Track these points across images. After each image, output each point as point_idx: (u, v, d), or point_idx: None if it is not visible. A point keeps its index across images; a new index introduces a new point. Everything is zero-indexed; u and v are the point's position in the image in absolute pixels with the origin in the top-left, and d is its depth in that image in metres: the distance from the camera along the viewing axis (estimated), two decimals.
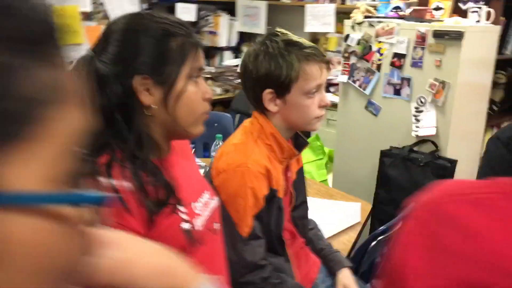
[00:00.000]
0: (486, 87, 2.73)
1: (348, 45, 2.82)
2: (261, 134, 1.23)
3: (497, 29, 2.63)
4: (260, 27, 4.20)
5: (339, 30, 3.69)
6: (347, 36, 2.82)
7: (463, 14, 2.67)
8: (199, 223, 0.95)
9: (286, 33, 1.23)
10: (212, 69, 4.15)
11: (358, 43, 2.77)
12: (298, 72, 1.17)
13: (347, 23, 2.84)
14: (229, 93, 4.14)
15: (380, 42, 2.69)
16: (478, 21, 2.59)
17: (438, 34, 2.45)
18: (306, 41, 1.23)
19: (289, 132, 1.28)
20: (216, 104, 4.08)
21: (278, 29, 1.24)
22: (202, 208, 0.98)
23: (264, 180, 1.18)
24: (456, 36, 2.40)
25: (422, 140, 2.61)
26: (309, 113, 1.23)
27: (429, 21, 2.60)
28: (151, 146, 0.92)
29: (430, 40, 2.49)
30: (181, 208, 0.92)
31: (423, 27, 2.51)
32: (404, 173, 2.54)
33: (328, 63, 1.23)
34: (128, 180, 0.86)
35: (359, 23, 2.77)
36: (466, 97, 2.56)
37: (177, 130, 0.94)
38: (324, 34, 3.92)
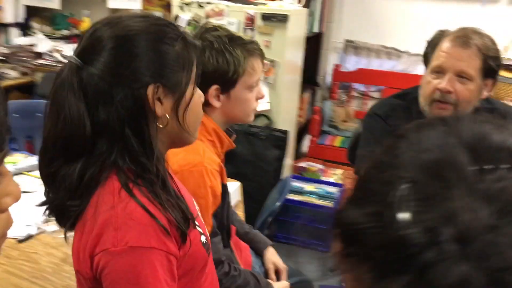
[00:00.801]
0: (300, 62, 3.10)
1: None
2: (203, 130, 1.21)
3: (306, 11, 3.00)
4: (53, 2, 3.79)
5: (146, 7, 3.62)
6: (177, 17, 2.81)
7: None
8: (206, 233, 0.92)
9: (224, 28, 1.23)
10: (1, 49, 3.59)
11: (189, 24, 2.79)
12: (244, 67, 1.19)
13: (175, 3, 2.83)
14: (27, 76, 3.66)
15: (210, 23, 2.77)
16: (292, 4, 2.90)
17: (266, 17, 2.66)
18: (245, 35, 1.24)
19: (226, 125, 1.29)
20: (12, 90, 3.56)
21: (215, 24, 1.22)
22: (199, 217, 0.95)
23: (219, 177, 1.18)
24: (282, 19, 2.65)
25: (257, 115, 2.83)
26: (250, 106, 1.26)
27: (256, 4, 2.79)
28: (162, 161, 0.84)
29: (259, 22, 2.68)
30: (196, 222, 0.88)
31: (251, 10, 2.69)
32: (248, 147, 2.73)
33: (264, 55, 1.28)
34: (151, 201, 0.79)
35: (188, 4, 2.79)
36: (289, 73, 2.88)
37: (182, 138, 0.89)
38: (129, 11, 3.78)
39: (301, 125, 3.64)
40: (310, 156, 3.56)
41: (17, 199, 0.47)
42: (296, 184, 3.07)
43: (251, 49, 1.21)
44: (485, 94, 1.48)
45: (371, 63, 3.80)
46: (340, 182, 3.28)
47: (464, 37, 1.41)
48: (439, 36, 1.49)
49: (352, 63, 3.84)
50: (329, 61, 3.83)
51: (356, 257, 0.40)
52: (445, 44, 1.43)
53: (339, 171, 3.38)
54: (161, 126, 0.83)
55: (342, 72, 3.81)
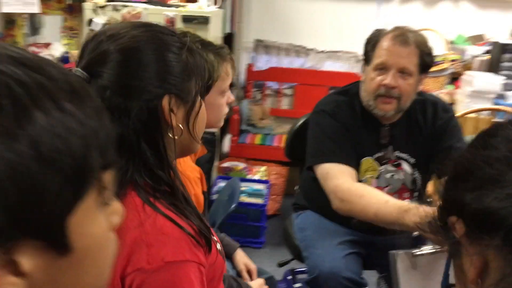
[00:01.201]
0: None
1: (92, 30, 2.68)
2: None
3: (222, 12, 3.01)
4: None
5: (45, 11, 3.38)
6: (90, 21, 2.67)
7: None
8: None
9: (193, 33, 1.20)
10: None
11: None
12: (218, 73, 1.18)
13: (88, 6, 2.68)
14: None
15: None
16: (209, 6, 2.90)
17: (187, 19, 2.63)
18: (213, 41, 1.23)
19: None
20: None
21: (185, 29, 1.20)
22: None
23: (200, 184, 1.17)
24: (203, 21, 2.64)
25: None
26: (222, 111, 1.26)
27: (175, 6, 2.74)
28: (175, 170, 0.82)
29: (180, 24, 2.65)
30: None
31: (171, 12, 2.65)
32: None
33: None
34: (174, 213, 0.77)
35: (102, 7, 2.66)
36: None
37: (191, 147, 0.87)
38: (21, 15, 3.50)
39: (221, 126, 3.65)
40: (233, 155, 3.60)
41: (121, 217, 0.44)
42: (223, 184, 3.08)
43: (223, 54, 1.22)
44: (420, 87, 1.63)
45: (281, 61, 3.93)
46: (265, 178, 3.35)
47: (403, 35, 1.54)
48: (377, 36, 1.61)
49: (264, 62, 3.94)
50: (242, 61, 3.88)
51: (488, 237, 0.45)
52: (386, 43, 1.55)
53: (263, 168, 3.46)
54: (176, 137, 0.81)
55: (254, 71, 3.89)
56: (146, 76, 0.77)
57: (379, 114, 1.60)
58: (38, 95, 0.36)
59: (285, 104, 4.01)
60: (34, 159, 0.35)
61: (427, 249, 1.44)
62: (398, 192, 1.70)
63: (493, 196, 0.49)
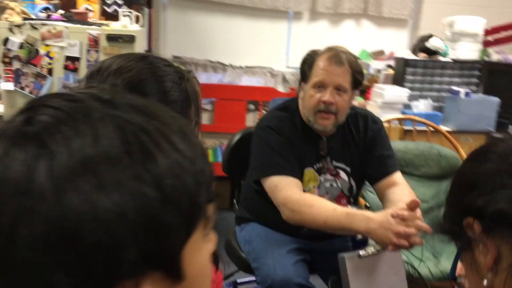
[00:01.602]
0: None
1: (9, 49, 2.54)
2: None
3: (145, 30, 3.01)
4: None
5: None
6: (6, 40, 2.52)
7: (112, 17, 2.90)
8: None
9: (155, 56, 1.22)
10: None
11: (21, 46, 2.54)
12: None
13: (3, 25, 2.53)
14: None
15: (48, 45, 2.57)
16: (132, 24, 2.88)
17: (112, 38, 2.60)
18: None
19: None
20: None
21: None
22: None
23: None
24: (129, 39, 2.62)
25: None
26: None
27: (92, 24, 2.69)
28: None
29: (104, 43, 2.60)
30: None
31: (94, 31, 2.59)
32: None
33: None
34: None
35: (19, 26, 2.53)
36: None
37: None
38: None
39: None
40: None
41: (216, 245, 0.47)
42: None
43: (189, 77, 1.25)
44: (352, 102, 1.79)
45: (200, 77, 3.98)
46: None
47: (337, 56, 1.69)
48: (313, 56, 1.74)
49: None
50: None
51: (502, 232, 0.56)
52: (322, 63, 1.69)
53: None
54: None
55: None
56: None
57: (319, 129, 1.73)
58: (158, 140, 0.40)
59: (205, 119, 4.06)
60: (159, 200, 0.39)
61: (370, 250, 1.58)
62: (336, 199, 1.84)
63: (503, 199, 0.60)
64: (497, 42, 3.84)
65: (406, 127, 2.89)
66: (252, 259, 1.82)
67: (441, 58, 3.14)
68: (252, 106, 4.07)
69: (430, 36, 3.02)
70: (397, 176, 1.79)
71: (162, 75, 0.84)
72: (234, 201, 2.29)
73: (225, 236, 3.27)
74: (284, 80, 4.10)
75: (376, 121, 1.85)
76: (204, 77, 3.99)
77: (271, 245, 1.78)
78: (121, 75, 0.80)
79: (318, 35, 4.08)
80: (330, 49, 1.76)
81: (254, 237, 1.86)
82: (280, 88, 4.10)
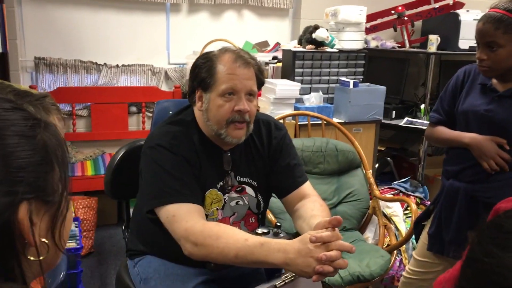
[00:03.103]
0: None
1: None
2: None
3: None
4: None
5: None
6: None
7: None
8: None
9: (2, 82, 0.87)
10: None
11: None
12: None
13: None
14: None
15: None
16: None
17: None
18: (31, 89, 0.92)
19: None
20: None
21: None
22: None
23: None
24: None
25: None
26: None
27: None
28: None
29: None
30: None
31: None
32: None
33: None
34: None
35: None
36: None
37: (54, 262, 0.62)
38: None
39: None
40: None
41: None
42: None
43: (46, 105, 0.93)
44: None
45: (70, 80, 3.53)
46: (73, 215, 2.96)
47: (242, 57, 1.46)
48: (210, 60, 1.49)
49: (49, 82, 3.48)
50: (23, 83, 3.35)
51: None
52: (228, 66, 1.45)
53: None
54: (41, 257, 0.56)
55: None
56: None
57: (232, 142, 1.50)
58: None
59: (81, 127, 3.62)
60: None
61: (286, 277, 1.41)
62: (244, 219, 1.64)
63: None
64: (374, 29, 3.92)
65: (300, 123, 2.78)
66: None
67: (328, 49, 3.07)
68: (134, 109, 3.72)
69: (317, 27, 2.93)
70: (307, 186, 1.63)
71: (0, 128, 0.55)
72: (123, 228, 1.98)
73: (115, 264, 2.95)
74: (167, 77, 3.80)
75: (279, 127, 1.67)
76: (75, 80, 3.55)
77: (172, 284, 1.53)
78: None
79: (199, 27, 3.83)
80: (226, 49, 1.52)
81: (151, 274, 1.59)
82: (164, 87, 3.79)
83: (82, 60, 3.53)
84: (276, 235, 1.47)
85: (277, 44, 3.86)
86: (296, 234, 1.54)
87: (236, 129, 1.47)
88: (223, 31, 3.84)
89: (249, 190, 1.62)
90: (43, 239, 0.58)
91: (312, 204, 1.56)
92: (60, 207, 0.60)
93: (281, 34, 4.06)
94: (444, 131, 1.87)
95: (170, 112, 2.99)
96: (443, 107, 1.89)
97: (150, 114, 3.69)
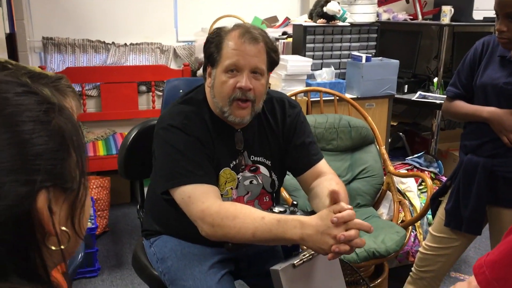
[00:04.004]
0: None
1: None
2: None
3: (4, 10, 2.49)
4: None
5: None
6: None
7: None
8: None
9: (16, 63, 0.86)
10: None
11: None
12: None
13: None
14: None
15: None
16: None
17: None
18: (47, 72, 0.90)
19: None
20: None
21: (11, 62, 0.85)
22: None
23: None
24: None
25: None
26: None
27: None
28: None
29: None
30: None
31: None
32: None
33: None
34: None
35: None
36: None
37: (74, 250, 0.61)
38: None
39: None
40: None
41: None
42: None
43: (61, 87, 0.92)
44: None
45: (79, 60, 3.50)
46: None
47: (250, 33, 1.42)
48: (219, 35, 1.46)
49: (58, 63, 3.46)
50: (31, 63, 3.33)
51: None
52: (233, 42, 1.42)
53: None
54: (62, 246, 0.54)
55: None
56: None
57: (235, 121, 1.47)
58: None
59: (91, 107, 3.61)
60: None
61: (304, 256, 1.40)
62: (258, 198, 1.63)
63: None
64: (386, 1, 3.83)
65: (312, 99, 2.74)
66: (168, 281, 1.55)
67: (339, 23, 3.01)
68: (143, 88, 3.69)
69: (328, 0, 2.86)
70: (322, 164, 1.61)
71: (14, 114, 0.52)
72: (137, 208, 1.98)
73: (129, 243, 2.97)
74: (176, 56, 3.75)
75: (294, 105, 1.64)
76: (84, 59, 3.52)
77: (189, 263, 1.53)
78: None
79: (207, 3, 3.76)
80: (238, 25, 1.48)
81: (168, 254, 1.59)
82: (173, 65, 3.75)
83: (90, 40, 3.49)
84: (293, 213, 1.46)
85: (287, 19, 3.78)
86: (312, 212, 1.53)
87: (239, 108, 1.43)
88: (232, 7, 3.78)
89: (263, 169, 1.60)
90: (63, 228, 0.56)
91: (328, 182, 1.53)
92: (79, 194, 0.58)
93: (290, 8, 3.98)
94: (462, 106, 1.83)
95: (181, 91, 2.97)
96: (460, 80, 1.85)
97: (160, 93, 3.67)
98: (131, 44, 3.62)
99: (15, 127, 0.51)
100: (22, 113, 0.52)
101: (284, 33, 3.37)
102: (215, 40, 1.46)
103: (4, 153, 0.50)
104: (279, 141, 1.60)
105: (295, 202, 1.50)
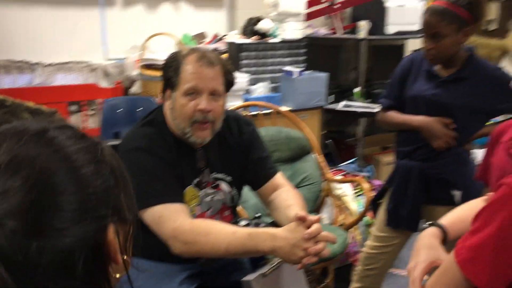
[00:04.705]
0: None
1: None
2: None
3: None
4: None
5: None
6: None
7: None
8: None
9: (16, 101, 0.85)
10: None
11: None
12: None
13: None
14: None
15: None
16: None
17: None
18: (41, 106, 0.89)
19: None
20: None
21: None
22: None
23: None
24: None
25: None
26: None
27: None
28: None
29: None
30: None
31: None
32: None
33: None
34: None
35: None
36: None
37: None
38: None
39: None
40: None
41: None
42: None
43: (57, 121, 0.93)
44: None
45: (2, 82, 3.33)
46: None
47: (206, 57, 1.50)
48: (177, 59, 1.52)
49: None
50: None
51: None
52: (192, 66, 1.48)
53: None
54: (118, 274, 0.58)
55: None
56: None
57: (196, 142, 1.53)
58: None
59: None
60: None
61: (272, 264, 1.49)
62: (219, 213, 1.69)
63: None
64: (308, 17, 4.05)
65: (251, 113, 2.85)
66: None
67: (271, 40, 3.16)
68: (74, 107, 3.59)
69: (260, 18, 2.99)
70: (279, 177, 1.71)
71: (73, 160, 0.55)
72: None
73: None
74: (106, 74, 3.69)
75: (249, 123, 1.73)
76: (8, 81, 3.36)
77: (159, 282, 1.55)
78: (18, 172, 0.51)
79: (136, 21, 3.75)
80: (194, 49, 1.55)
81: (136, 274, 1.60)
82: (103, 84, 3.68)
83: (13, 60, 3.34)
84: (257, 225, 1.55)
85: (216, 35, 3.88)
86: (273, 223, 1.62)
87: (200, 129, 1.50)
88: (161, 24, 3.79)
89: (223, 185, 1.67)
90: (125, 257, 0.61)
91: (286, 194, 1.64)
92: (131, 223, 0.63)
93: (218, 25, 4.08)
94: (395, 116, 2.02)
95: (121, 110, 2.94)
96: (392, 93, 2.04)
97: (92, 112, 3.59)
98: (58, 63, 3.51)
99: (82, 170, 0.55)
100: (83, 157, 0.56)
101: (215, 50, 3.46)
102: (173, 64, 1.52)
103: (77, 195, 0.54)
104: (237, 157, 1.68)
105: (258, 215, 1.58)
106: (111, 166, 0.60)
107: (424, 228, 1.08)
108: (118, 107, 2.87)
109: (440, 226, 1.05)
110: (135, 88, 3.55)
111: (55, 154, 0.54)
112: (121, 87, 3.64)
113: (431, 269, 0.95)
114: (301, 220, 1.35)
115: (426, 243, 1.02)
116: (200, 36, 3.97)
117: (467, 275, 0.78)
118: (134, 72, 3.54)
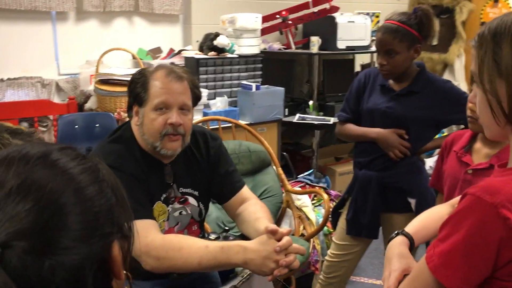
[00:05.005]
0: None
1: None
2: None
3: None
4: None
5: None
6: None
7: None
8: None
9: None
10: None
11: None
12: None
13: None
14: None
15: None
16: None
17: None
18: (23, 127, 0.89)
19: None
20: None
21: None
22: None
23: None
24: None
25: None
26: None
27: None
28: None
29: None
30: None
31: None
32: None
33: None
34: None
35: None
36: None
37: None
38: None
39: None
40: None
41: None
42: None
43: (35, 141, 0.92)
44: None
45: None
46: None
47: (175, 72, 1.53)
48: (144, 76, 1.54)
49: None
50: None
51: None
52: (161, 81, 1.50)
53: None
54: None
55: None
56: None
57: (167, 154, 1.55)
58: None
59: None
60: None
61: (242, 277, 1.52)
62: (187, 227, 1.71)
63: None
64: (262, 33, 4.14)
65: (211, 127, 2.88)
66: None
67: (228, 55, 3.21)
68: (25, 124, 3.48)
69: (217, 34, 3.04)
70: (245, 190, 1.75)
71: (82, 181, 0.57)
72: None
73: None
74: (59, 89, 3.62)
75: (215, 137, 1.76)
76: None
77: None
78: (28, 195, 0.52)
79: (89, 36, 3.71)
80: (162, 66, 1.58)
81: None
82: (57, 99, 3.60)
83: None
84: (226, 239, 1.57)
85: (172, 50, 3.89)
86: (242, 236, 1.66)
87: (170, 141, 1.53)
88: (115, 39, 3.77)
89: (191, 200, 1.69)
90: (124, 272, 0.62)
91: (253, 207, 1.68)
92: (130, 239, 0.65)
93: (173, 40, 4.09)
94: (352, 128, 2.11)
95: (76, 126, 2.89)
96: (349, 107, 2.14)
97: (44, 129, 3.50)
98: (8, 79, 3.41)
99: (86, 191, 0.57)
100: (89, 177, 0.58)
101: (171, 64, 3.47)
102: (140, 80, 1.53)
103: (84, 215, 0.55)
104: (204, 172, 1.71)
105: (226, 228, 1.61)
106: (111, 184, 0.62)
107: (392, 238, 1.14)
108: (75, 123, 2.82)
109: (406, 235, 1.12)
110: (90, 104, 3.49)
111: (62, 176, 0.56)
112: (75, 102, 3.57)
113: (403, 277, 1.01)
114: (272, 233, 1.39)
115: (396, 252, 1.08)
116: (156, 51, 3.96)
117: (440, 279, 0.84)
118: (89, 87, 3.48)
